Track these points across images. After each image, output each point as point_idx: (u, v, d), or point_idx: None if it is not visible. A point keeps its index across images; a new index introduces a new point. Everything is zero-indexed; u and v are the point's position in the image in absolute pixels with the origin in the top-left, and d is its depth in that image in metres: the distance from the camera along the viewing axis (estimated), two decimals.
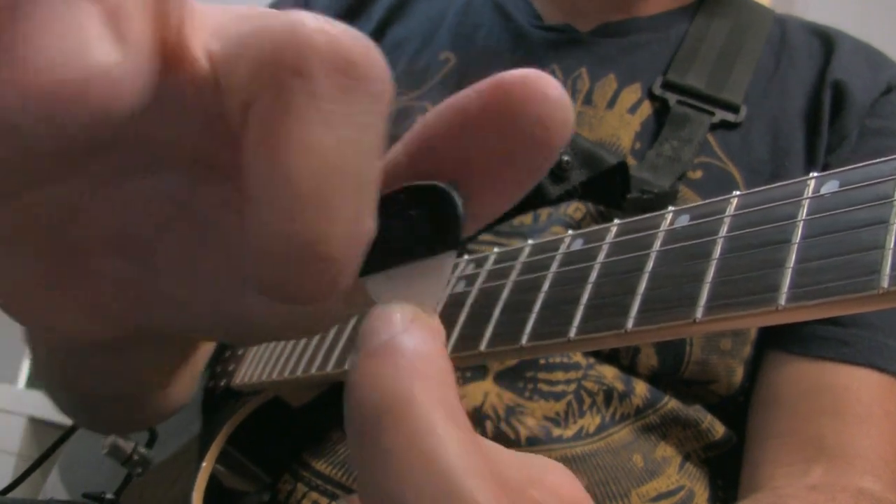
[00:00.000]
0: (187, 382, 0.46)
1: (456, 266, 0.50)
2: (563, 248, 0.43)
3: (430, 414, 0.17)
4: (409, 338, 0.18)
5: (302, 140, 0.17)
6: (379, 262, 0.20)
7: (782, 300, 0.31)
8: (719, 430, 0.65)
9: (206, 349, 0.69)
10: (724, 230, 0.36)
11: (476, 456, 0.17)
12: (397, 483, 0.17)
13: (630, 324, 0.36)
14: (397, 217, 0.20)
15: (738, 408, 0.66)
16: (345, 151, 0.17)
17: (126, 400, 0.42)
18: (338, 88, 0.17)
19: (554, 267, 0.43)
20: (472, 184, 0.21)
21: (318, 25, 0.18)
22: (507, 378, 0.61)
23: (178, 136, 0.20)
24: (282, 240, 0.17)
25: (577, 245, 0.43)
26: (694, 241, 0.37)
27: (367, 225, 0.19)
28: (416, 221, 0.20)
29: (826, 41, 0.76)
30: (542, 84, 0.19)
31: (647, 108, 0.72)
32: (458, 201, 0.20)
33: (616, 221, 0.42)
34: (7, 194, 0.20)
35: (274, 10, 0.19)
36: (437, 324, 0.20)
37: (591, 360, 0.62)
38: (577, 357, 0.62)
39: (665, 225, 0.39)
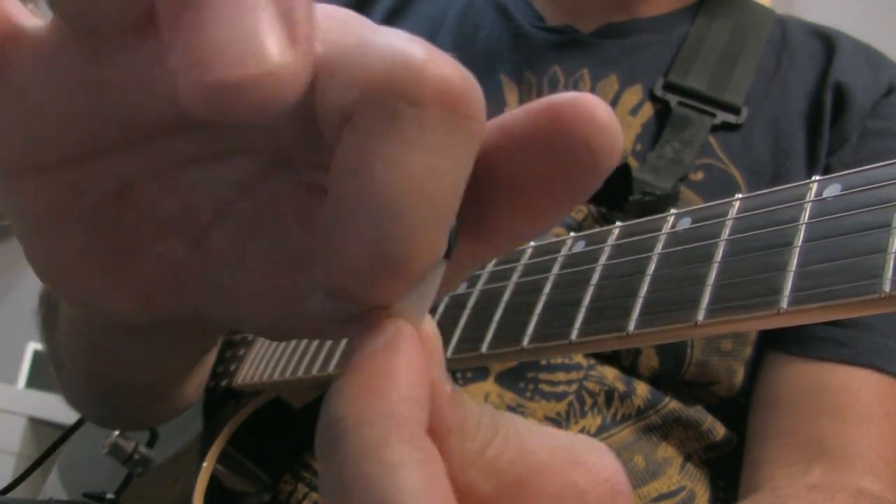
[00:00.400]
0: (199, 380, 0.47)
1: None
2: (564, 250, 0.44)
3: (379, 435, 0.17)
4: (378, 356, 0.18)
5: (403, 164, 0.17)
6: None
7: (784, 303, 0.31)
8: (720, 430, 0.65)
9: (216, 350, 0.69)
10: (725, 233, 0.36)
11: (429, 480, 0.17)
12: (342, 496, 0.17)
13: (631, 326, 0.36)
14: None
15: (738, 409, 0.66)
16: (439, 180, 0.18)
17: (145, 390, 0.42)
18: (443, 121, 0.18)
19: (555, 269, 0.43)
20: (511, 204, 0.21)
21: (430, 56, 0.18)
22: (509, 378, 0.61)
23: (264, 129, 0.21)
24: (367, 254, 0.18)
25: (579, 247, 0.43)
26: (696, 244, 0.37)
27: (443, 247, 0.19)
28: None
29: (827, 42, 0.76)
30: (592, 107, 0.19)
31: (648, 110, 0.72)
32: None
33: (618, 224, 0.42)
34: (76, 159, 0.20)
35: (368, 21, 0.20)
36: (428, 332, 0.20)
37: (592, 360, 0.63)
38: (578, 358, 0.62)
39: (667, 227, 0.39)
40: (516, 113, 0.20)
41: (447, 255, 0.20)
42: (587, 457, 0.20)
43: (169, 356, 0.35)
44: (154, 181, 0.22)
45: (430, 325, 0.20)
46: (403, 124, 0.17)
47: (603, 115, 0.19)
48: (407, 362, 0.18)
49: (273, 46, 0.15)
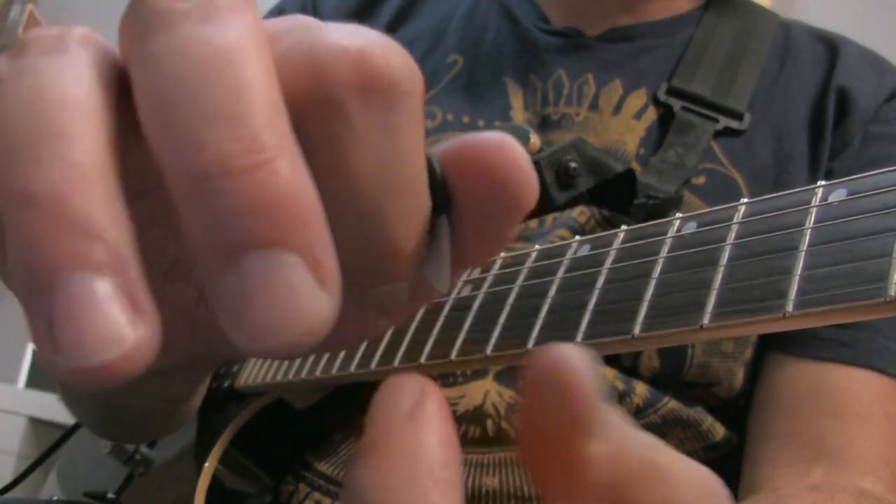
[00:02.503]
0: (203, 391, 0.47)
1: None
2: (569, 254, 0.44)
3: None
4: (403, 429, 0.17)
5: (349, 165, 0.19)
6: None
7: (790, 307, 0.32)
8: (719, 431, 0.65)
9: None
10: (731, 237, 0.36)
11: None
12: None
13: (637, 329, 0.36)
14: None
15: (738, 410, 0.66)
16: (391, 160, 0.19)
17: (154, 413, 0.42)
18: (366, 106, 0.18)
19: (561, 272, 0.43)
20: (462, 222, 0.22)
21: (337, 42, 0.19)
22: (508, 376, 0.61)
23: None
24: (355, 243, 0.19)
25: (584, 251, 0.43)
26: (701, 248, 0.37)
27: (425, 212, 0.20)
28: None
29: (831, 47, 0.77)
30: (511, 150, 0.20)
31: (651, 114, 0.73)
32: (436, 166, 0.21)
33: (623, 227, 0.42)
34: None
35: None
36: (575, 367, 0.18)
37: None
38: None
39: (672, 231, 0.39)
40: (446, 146, 0.21)
41: (444, 210, 0.21)
42: (711, 498, 0.19)
43: (180, 382, 0.36)
44: (157, 227, 0.23)
45: (577, 358, 0.18)
46: (334, 127, 0.18)
47: (520, 158, 0.20)
48: (435, 439, 0.17)
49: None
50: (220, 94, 0.17)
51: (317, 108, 0.18)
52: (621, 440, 0.18)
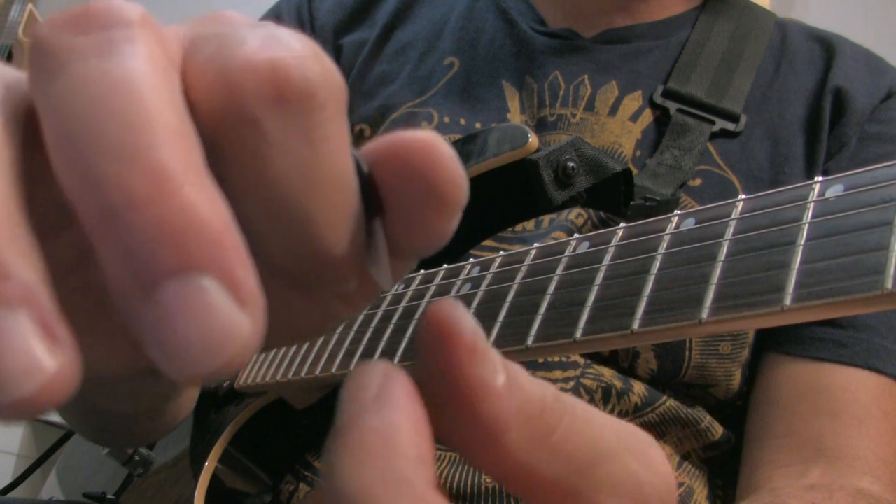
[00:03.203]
0: (194, 392, 0.47)
1: (462, 269, 0.51)
2: (568, 251, 0.44)
3: (382, 501, 0.17)
4: (371, 414, 0.18)
5: (271, 177, 0.19)
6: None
7: (788, 300, 0.32)
8: (718, 430, 0.65)
9: None
10: (729, 233, 0.36)
11: None
12: None
13: (636, 325, 0.37)
14: None
15: (735, 410, 0.67)
16: (313, 168, 0.19)
17: (139, 415, 0.42)
18: (282, 118, 0.19)
19: (560, 269, 0.43)
20: (393, 220, 0.22)
21: (248, 59, 0.19)
22: None
23: None
24: (291, 251, 0.20)
25: (583, 248, 0.43)
26: (700, 244, 0.37)
27: (357, 210, 0.20)
28: None
29: (827, 47, 0.77)
30: (436, 149, 0.20)
31: (648, 116, 0.73)
32: (364, 169, 0.21)
33: (622, 225, 0.43)
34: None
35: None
36: (464, 332, 0.19)
37: (590, 359, 0.63)
38: (576, 356, 0.62)
39: (671, 228, 0.40)
40: (373, 144, 0.21)
41: (375, 212, 0.21)
42: (648, 449, 0.21)
43: (156, 384, 0.36)
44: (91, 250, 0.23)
45: (467, 322, 0.19)
46: (250, 143, 0.19)
47: (445, 156, 0.20)
48: (404, 417, 0.18)
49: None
50: (120, 128, 0.17)
51: (233, 125, 0.19)
52: (517, 376, 0.20)
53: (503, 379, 0.19)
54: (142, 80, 0.17)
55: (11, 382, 0.16)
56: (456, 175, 0.20)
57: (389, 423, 0.18)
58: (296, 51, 0.19)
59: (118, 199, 0.16)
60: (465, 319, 0.20)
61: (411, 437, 0.18)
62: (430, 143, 0.20)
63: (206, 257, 0.16)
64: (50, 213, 0.20)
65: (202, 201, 0.17)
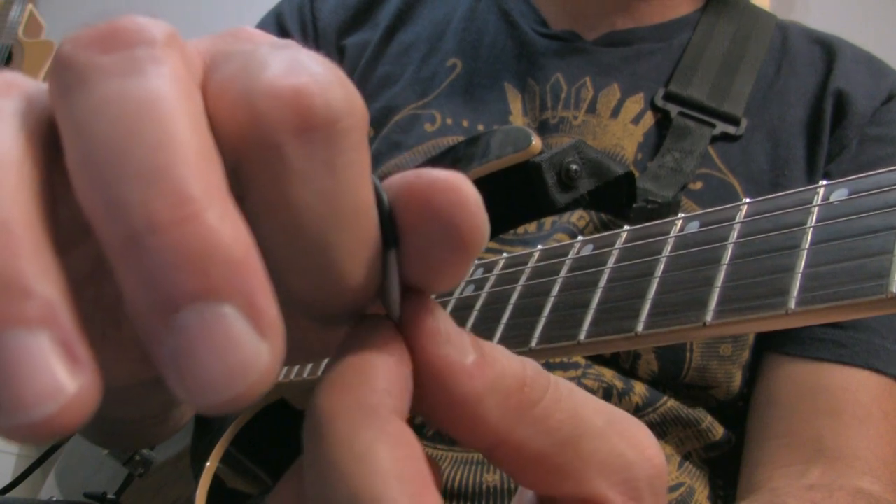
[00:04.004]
0: None
1: None
2: (572, 254, 0.44)
3: (349, 426, 0.18)
4: (351, 352, 0.20)
5: (291, 204, 0.19)
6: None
7: (792, 304, 0.32)
8: (719, 430, 0.65)
9: None
10: (734, 236, 0.37)
11: (400, 462, 0.18)
12: (321, 486, 0.18)
13: (640, 327, 0.37)
14: None
15: (736, 411, 0.67)
16: (334, 197, 0.19)
17: (146, 420, 0.42)
18: (304, 146, 0.18)
19: (564, 272, 0.43)
20: (409, 255, 0.21)
21: (281, 84, 0.18)
22: None
23: None
24: (309, 281, 0.20)
25: (587, 250, 0.44)
26: (704, 247, 0.37)
27: (376, 240, 0.20)
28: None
29: (827, 49, 0.77)
30: (452, 185, 0.20)
31: (649, 119, 0.73)
32: (385, 201, 0.20)
33: (626, 227, 0.43)
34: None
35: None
36: (427, 319, 0.21)
37: (590, 360, 0.63)
38: (577, 357, 0.62)
39: (675, 231, 0.40)
40: (397, 178, 0.21)
41: (393, 244, 0.21)
42: (636, 431, 0.21)
43: (163, 391, 0.36)
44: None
45: (427, 308, 0.21)
46: (272, 168, 0.18)
47: (471, 200, 0.20)
48: (380, 355, 0.20)
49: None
50: (143, 151, 0.16)
51: (255, 150, 0.18)
52: (491, 353, 0.21)
53: (473, 357, 0.20)
54: (166, 102, 0.17)
55: (32, 404, 0.16)
56: (480, 220, 0.20)
57: (365, 361, 0.20)
58: (319, 76, 0.19)
59: (139, 222, 0.16)
60: (426, 304, 0.21)
61: (381, 372, 0.19)
62: (456, 185, 0.20)
63: (227, 284, 0.16)
64: (67, 227, 0.20)
65: (225, 226, 0.17)
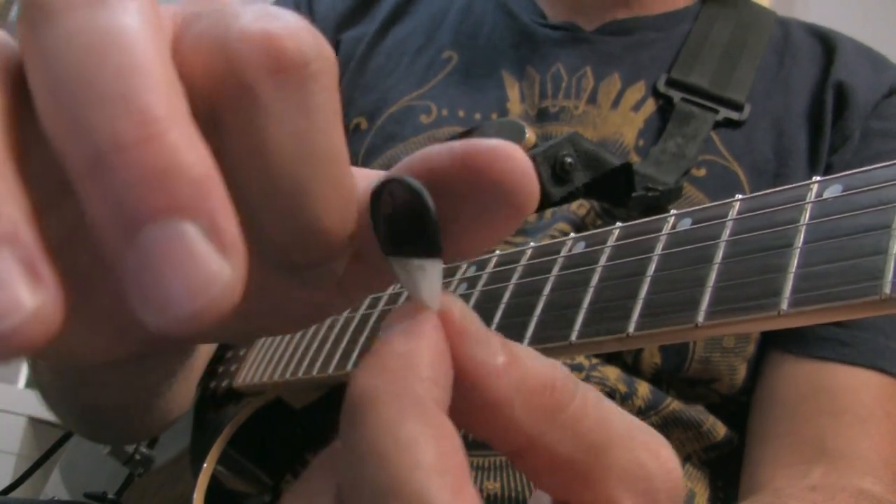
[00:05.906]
0: (187, 388, 0.47)
1: (458, 267, 0.50)
2: (564, 251, 0.43)
3: (396, 414, 0.18)
4: (398, 339, 0.20)
5: (267, 146, 0.19)
6: (392, 246, 0.22)
7: (784, 305, 0.31)
8: (720, 431, 0.64)
9: (205, 357, 0.69)
10: (726, 234, 0.36)
11: (442, 455, 0.18)
12: (359, 471, 0.18)
13: (632, 328, 0.36)
14: (387, 207, 0.22)
15: (739, 407, 0.66)
16: (308, 138, 0.19)
17: (129, 408, 0.42)
18: (278, 87, 0.19)
19: (555, 270, 0.43)
20: (458, 226, 0.22)
21: (247, 27, 0.19)
22: None
23: None
24: (284, 225, 0.20)
25: (579, 248, 0.43)
26: (696, 245, 0.37)
27: (350, 187, 0.21)
28: (397, 217, 0.21)
29: (827, 43, 0.77)
30: (509, 153, 0.21)
31: (651, 106, 0.72)
32: (430, 205, 0.21)
33: (618, 224, 0.42)
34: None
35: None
36: (455, 315, 0.21)
37: (595, 360, 0.62)
38: (580, 358, 0.62)
39: (667, 228, 0.39)
40: (441, 151, 0.21)
41: (439, 249, 0.21)
42: (658, 444, 0.22)
43: (145, 374, 0.36)
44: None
45: (458, 309, 0.21)
46: (246, 111, 0.19)
47: (520, 161, 0.21)
48: (426, 345, 0.20)
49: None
50: (109, 75, 0.17)
51: (231, 94, 0.19)
52: (519, 355, 0.21)
53: (502, 359, 0.21)
54: (133, 31, 0.18)
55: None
56: (535, 186, 0.21)
57: (411, 349, 0.20)
58: (289, 23, 0.19)
59: (105, 141, 0.17)
60: (454, 305, 0.21)
61: (428, 362, 0.19)
62: (512, 152, 0.20)
63: (189, 202, 0.17)
64: (39, 192, 0.20)
65: (187, 147, 0.17)
